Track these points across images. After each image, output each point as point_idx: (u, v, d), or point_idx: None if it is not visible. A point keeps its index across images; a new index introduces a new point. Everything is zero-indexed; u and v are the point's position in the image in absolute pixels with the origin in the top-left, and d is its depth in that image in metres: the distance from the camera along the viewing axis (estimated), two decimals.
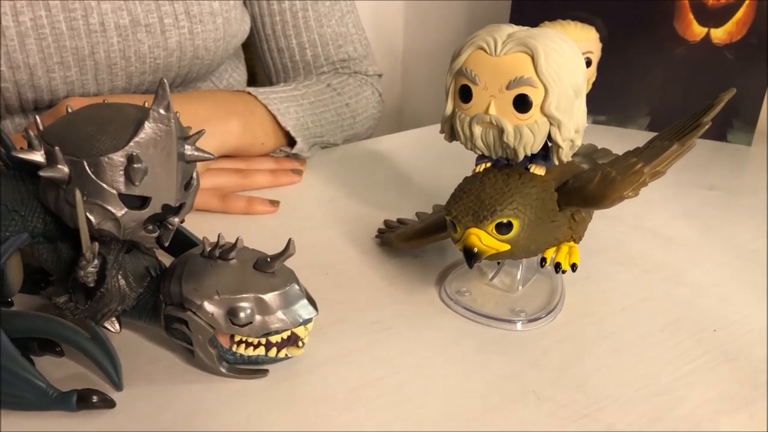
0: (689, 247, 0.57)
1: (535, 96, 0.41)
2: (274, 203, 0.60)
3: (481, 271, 0.52)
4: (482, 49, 0.42)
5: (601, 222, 0.60)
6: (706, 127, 0.42)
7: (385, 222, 0.58)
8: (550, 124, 0.42)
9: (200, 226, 0.57)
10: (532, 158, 0.45)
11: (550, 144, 0.43)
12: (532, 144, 0.43)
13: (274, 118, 0.64)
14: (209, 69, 0.69)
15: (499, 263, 0.50)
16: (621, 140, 0.70)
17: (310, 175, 0.67)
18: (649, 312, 0.49)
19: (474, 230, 0.43)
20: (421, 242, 0.52)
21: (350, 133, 0.74)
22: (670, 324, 0.47)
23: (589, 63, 0.77)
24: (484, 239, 0.42)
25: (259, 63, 0.85)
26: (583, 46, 0.76)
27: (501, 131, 0.43)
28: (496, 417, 0.39)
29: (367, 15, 1.07)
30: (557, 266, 0.46)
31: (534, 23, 0.79)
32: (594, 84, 0.80)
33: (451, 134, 0.46)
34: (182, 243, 0.47)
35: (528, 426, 0.38)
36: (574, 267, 0.46)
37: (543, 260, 0.47)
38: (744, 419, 0.39)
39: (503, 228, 0.42)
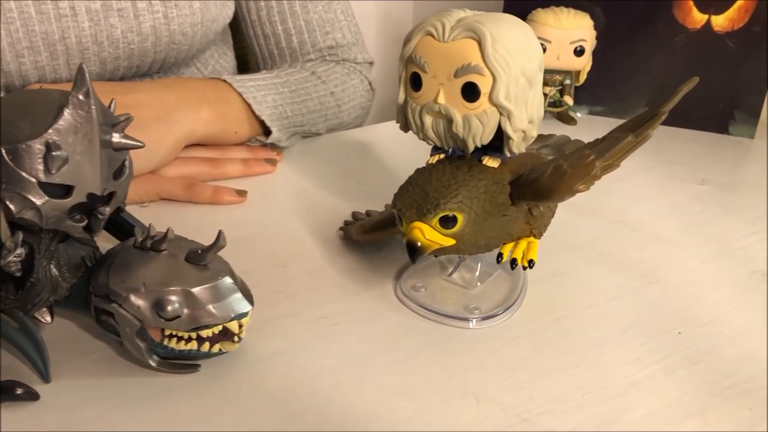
0: (669, 243, 0.55)
1: (483, 84, 0.39)
2: (242, 193, 0.58)
3: (442, 266, 0.50)
4: (431, 34, 0.41)
5: (581, 216, 0.58)
6: (663, 117, 0.40)
7: (353, 214, 0.57)
8: (500, 113, 0.40)
9: (164, 215, 0.56)
10: (485, 149, 0.43)
11: None
12: (482, 134, 0.41)
13: (250, 106, 0.63)
14: (188, 54, 0.68)
15: (459, 258, 0.49)
16: None
17: (287, 164, 0.66)
18: (613, 312, 0.46)
19: (417, 224, 0.41)
20: (379, 235, 0.50)
21: (335, 122, 0.73)
22: (634, 325, 0.45)
23: (582, 51, 0.75)
24: (427, 233, 0.41)
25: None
26: (576, 33, 0.74)
27: (450, 121, 0.41)
28: (429, 419, 0.37)
29: (377, 3, 1.06)
30: (513, 262, 0.44)
31: (529, 9, 0.77)
32: (589, 73, 0.78)
33: (406, 124, 0.44)
34: (130, 232, 0.46)
35: (462, 428, 0.36)
36: (531, 263, 0.44)
37: (500, 256, 0.45)
38: (695, 426, 0.37)
39: (448, 222, 0.41)
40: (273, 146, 0.67)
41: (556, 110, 0.78)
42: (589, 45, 0.75)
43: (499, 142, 0.42)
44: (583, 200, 0.60)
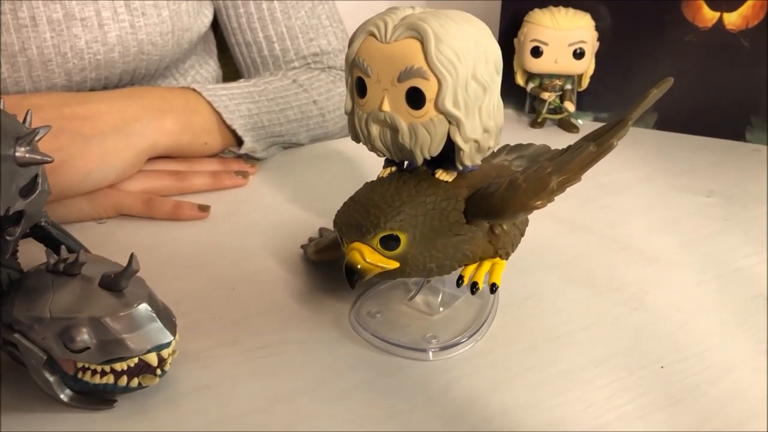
0: (661, 263, 0.49)
1: (428, 89, 0.35)
2: (204, 208, 0.55)
3: (406, 289, 0.46)
4: (373, 35, 0.37)
5: (568, 232, 0.53)
6: (629, 124, 0.35)
7: (320, 230, 0.53)
8: (448, 122, 0.36)
9: (121, 231, 0.53)
10: (440, 162, 0.38)
11: None
12: (430, 145, 0.37)
13: (220, 115, 0.60)
14: (161, 65, 0.65)
15: (423, 279, 0.44)
16: (624, 140, 0.63)
17: (262, 177, 0.62)
18: (589, 341, 0.42)
19: (357, 245, 0.37)
20: (333, 254, 0.46)
21: (319, 132, 0.69)
22: (611, 356, 0.40)
23: (582, 54, 0.70)
24: (367, 255, 0.37)
25: None
26: (575, 34, 0.69)
27: (396, 130, 0.37)
28: None
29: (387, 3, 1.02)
30: (473, 286, 0.40)
31: (527, 9, 0.72)
32: (593, 77, 0.73)
33: (356, 134, 0.40)
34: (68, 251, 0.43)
35: None
36: (493, 287, 0.40)
37: (460, 279, 0.40)
38: None
39: (390, 242, 0.36)
40: (248, 158, 0.63)
41: (556, 117, 0.73)
42: (590, 47, 0.70)
43: (454, 153, 0.38)
44: (572, 214, 0.55)
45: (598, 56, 0.72)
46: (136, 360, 0.35)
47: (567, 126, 0.73)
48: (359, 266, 0.37)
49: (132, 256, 0.35)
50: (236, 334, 0.42)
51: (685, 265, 0.49)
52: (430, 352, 0.40)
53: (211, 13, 0.70)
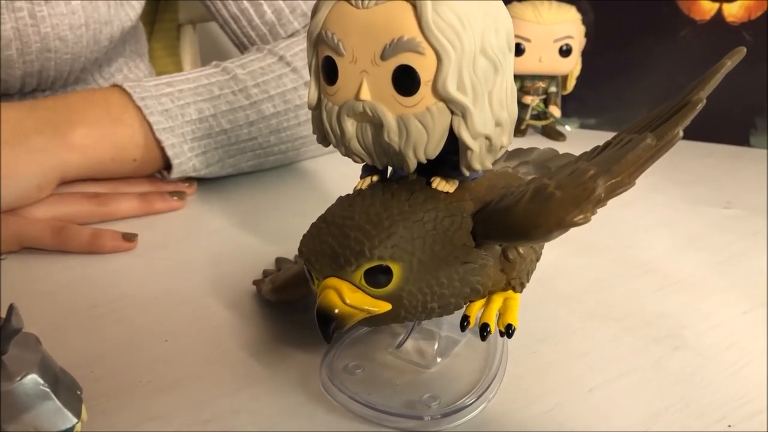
0: (694, 288, 0.41)
1: (423, 68, 0.26)
2: (130, 237, 0.44)
3: (391, 332, 0.36)
4: None
5: (577, 254, 0.45)
6: (699, 107, 0.26)
7: (277, 261, 0.43)
8: (451, 111, 0.27)
9: (23, 270, 0.42)
10: (436, 167, 0.29)
11: None
12: (426, 144, 0.27)
13: (151, 126, 0.49)
14: (74, 66, 0.54)
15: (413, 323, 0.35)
16: None
17: (203, 197, 0.52)
18: (630, 394, 0.32)
19: (333, 281, 0.27)
20: (295, 293, 0.36)
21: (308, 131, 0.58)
22: (661, 414, 0.31)
23: (569, 51, 0.62)
24: (347, 296, 0.27)
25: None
26: (561, 29, 0.61)
27: (380, 126, 0.27)
28: None
29: None
30: (483, 329, 0.30)
31: (504, 1, 0.64)
32: (579, 79, 0.65)
33: (324, 135, 0.31)
34: None
35: None
36: (509, 330, 0.30)
37: (465, 319, 0.31)
38: None
39: (378, 277, 0.27)
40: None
41: (540, 123, 0.65)
42: (577, 43, 0.62)
43: (455, 155, 0.28)
44: (580, 232, 0.46)
45: (584, 56, 0.65)
46: None
47: (552, 134, 0.64)
48: (337, 311, 0.27)
49: (11, 308, 0.24)
50: (170, 403, 0.31)
51: (722, 291, 0.41)
52: (429, 420, 0.31)
53: (141, 4, 0.59)
